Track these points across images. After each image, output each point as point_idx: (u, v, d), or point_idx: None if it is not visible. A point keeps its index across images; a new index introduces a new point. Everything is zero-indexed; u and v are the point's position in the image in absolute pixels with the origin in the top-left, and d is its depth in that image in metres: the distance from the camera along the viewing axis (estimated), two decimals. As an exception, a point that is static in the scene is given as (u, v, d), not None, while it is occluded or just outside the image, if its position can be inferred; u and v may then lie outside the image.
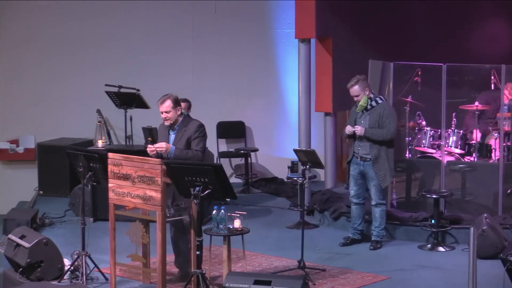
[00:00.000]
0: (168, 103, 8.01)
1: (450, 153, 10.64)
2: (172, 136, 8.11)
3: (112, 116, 12.60)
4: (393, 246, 9.63)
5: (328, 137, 11.86)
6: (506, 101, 10.64)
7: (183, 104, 8.69)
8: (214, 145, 12.87)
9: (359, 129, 9.35)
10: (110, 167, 7.85)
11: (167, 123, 8.06)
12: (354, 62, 11.09)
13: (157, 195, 7.50)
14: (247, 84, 13.28)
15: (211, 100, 13.06)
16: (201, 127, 8.06)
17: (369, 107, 9.40)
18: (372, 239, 9.59)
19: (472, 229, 6.86)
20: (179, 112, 8.08)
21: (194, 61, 13.16)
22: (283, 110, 13.31)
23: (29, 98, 11.92)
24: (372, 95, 9.43)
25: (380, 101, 9.41)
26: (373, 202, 9.50)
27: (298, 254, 8.53)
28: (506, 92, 10.60)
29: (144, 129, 11.87)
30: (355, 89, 9.36)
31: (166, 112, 8.02)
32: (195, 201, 7.31)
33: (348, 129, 9.47)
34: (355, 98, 9.43)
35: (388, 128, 9.34)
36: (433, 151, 10.69)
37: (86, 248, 8.22)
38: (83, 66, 12.68)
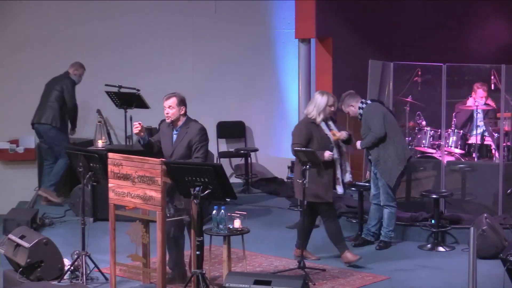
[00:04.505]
0: (173, 100, 8.04)
1: (450, 153, 10.65)
2: (175, 136, 8.12)
3: (112, 116, 12.59)
4: (393, 246, 9.62)
5: (328, 137, 11.83)
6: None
7: None
8: (214, 145, 12.86)
9: (357, 146, 9.50)
10: (110, 167, 7.85)
11: (168, 120, 8.07)
12: (354, 62, 11.11)
13: (157, 195, 7.50)
14: (247, 84, 13.27)
15: (211, 100, 13.05)
16: (202, 131, 8.06)
17: (359, 116, 9.48)
18: (380, 239, 9.63)
19: (472, 229, 6.86)
20: (182, 112, 8.08)
21: (194, 61, 13.15)
22: (283, 110, 13.29)
23: (29, 98, 11.90)
24: (360, 104, 9.44)
25: (363, 107, 9.44)
26: (381, 203, 9.53)
27: (298, 254, 8.54)
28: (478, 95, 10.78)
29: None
30: (342, 108, 9.52)
31: (169, 107, 8.04)
32: (195, 201, 7.31)
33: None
34: (348, 115, 9.59)
35: (373, 129, 9.35)
36: (433, 151, 10.69)
37: (86, 248, 8.22)
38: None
